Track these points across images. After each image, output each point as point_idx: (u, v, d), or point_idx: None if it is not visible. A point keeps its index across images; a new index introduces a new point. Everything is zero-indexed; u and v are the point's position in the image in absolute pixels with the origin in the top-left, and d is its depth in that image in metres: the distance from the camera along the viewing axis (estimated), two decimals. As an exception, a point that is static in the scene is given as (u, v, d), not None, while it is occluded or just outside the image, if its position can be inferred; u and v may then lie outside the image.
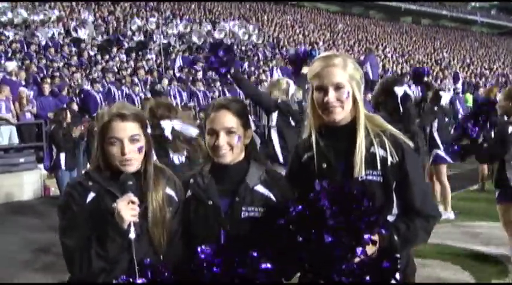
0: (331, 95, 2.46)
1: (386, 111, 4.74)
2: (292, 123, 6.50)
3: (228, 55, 5.99)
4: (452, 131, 8.35)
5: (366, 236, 2.19)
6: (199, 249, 2.31)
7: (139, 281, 2.30)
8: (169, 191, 2.60)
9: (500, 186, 5.53)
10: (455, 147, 5.69)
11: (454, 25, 53.52)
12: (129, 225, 2.34)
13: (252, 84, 6.67)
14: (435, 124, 8.84)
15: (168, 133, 4.02)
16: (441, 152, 8.55)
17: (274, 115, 6.57)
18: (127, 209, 2.33)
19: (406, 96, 4.84)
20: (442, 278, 5.98)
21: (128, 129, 2.48)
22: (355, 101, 2.51)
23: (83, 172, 2.62)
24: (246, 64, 22.33)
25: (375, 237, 2.23)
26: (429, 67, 29.52)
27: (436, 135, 8.79)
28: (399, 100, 4.79)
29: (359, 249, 2.17)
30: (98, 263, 2.39)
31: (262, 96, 6.71)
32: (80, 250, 2.40)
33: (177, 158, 4.10)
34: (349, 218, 2.18)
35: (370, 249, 2.22)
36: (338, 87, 2.47)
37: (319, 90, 2.50)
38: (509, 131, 5.38)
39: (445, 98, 8.83)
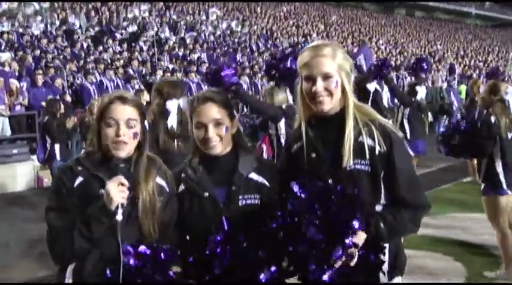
0: (319, 85, 2.46)
1: None
2: None
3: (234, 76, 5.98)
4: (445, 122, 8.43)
5: (347, 241, 2.20)
6: (208, 238, 2.34)
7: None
8: (160, 181, 2.62)
9: (488, 179, 5.59)
10: (445, 147, 5.75)
11: (448, 17, 53.57)
12: (117, 207, 2.36)
13: (254, 97, 6.66)
14: (406, 112, 8.85)
15: (174, 112, 4.07)
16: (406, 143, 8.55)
17: (282, 123, 6.58)
18: (117, 190, 2.35)
19: (376, 91, 4.96)
20: (434, 269, 6.03)
21: (126, 112, 2.51)
22: (344, 91, 2.51)
23: (75, 157, 2.64)
24: (239, 55, 22.31)
25: (357, 240, 2.24)
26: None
27: (406, 124, 8.79)
28: (371, 96, 4.90)
29: (338, 253, 2.19)
30: (80, 242, 2.39)
31: (268, 107, 6.71)
32: (64, 230, 2.41)
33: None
34: (328, 223, 2.20)
35: (351, 251, 2.23)
36: (326, 77, 2.47)
37: (308, 80, 2.50)
38: (493, 121, 5.49)
39: (421, 93, 8.88)
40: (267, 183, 2.60)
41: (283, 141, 6.43)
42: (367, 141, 2.47)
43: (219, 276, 2.29)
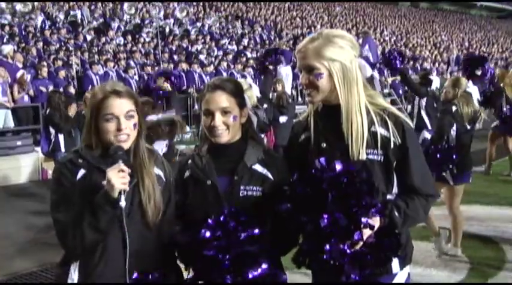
0: (304, 78, 2.48)
1: None
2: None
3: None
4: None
5: (364, 220, 2.20)
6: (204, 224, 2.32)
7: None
8: (158, 171, 2.63)
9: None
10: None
11: (453, 8, 53.26)
12: (120, 193, 2.35)
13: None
14: (423, 103, 8.87)
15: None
16: (428, 134, 8.59)
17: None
18: (117, 177, 2.34)
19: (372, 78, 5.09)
20: (437, 260, 6.02)
21: (123, 105, 2.49)
22: (346, 83, 2.45)
23: (73, 150, 2.61)
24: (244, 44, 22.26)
25: (373, 221, 2.23)
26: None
27: (424, 115, 8.82)
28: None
29: (356, 234, 2.18)
30: (90, 233, 2.38)
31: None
32: (73, 224, 2.40)
33: (160, 150, 4.25)
34: (348, 202, 2.18)
35: (367, 233, 2.22)
36: (310, 70, 2.45)
37: (300, 71, 2.54)
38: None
39: (435, 82, 8.93)
40: (270, 176, 2.57)
41: None
42: (380, 131, 2.45)
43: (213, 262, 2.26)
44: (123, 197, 2.36)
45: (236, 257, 2.24)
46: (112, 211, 2.38)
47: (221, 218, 2.33)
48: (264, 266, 2.26)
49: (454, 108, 5.90)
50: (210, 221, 2.32)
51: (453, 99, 6.08)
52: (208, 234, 2.28)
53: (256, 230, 2.28)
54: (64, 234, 2.44)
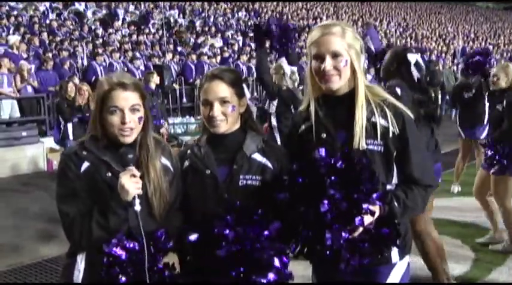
0: (328, 63, 2.45)
1: (400, 78, 4.68)
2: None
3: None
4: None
5: (365, 206, 2.20)
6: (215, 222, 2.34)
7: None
8: (165, 161, 2.61)
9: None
10: None
11: (459, -1, 52.98)
12: (134, 198, 2.37)
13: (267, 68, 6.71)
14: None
15: None
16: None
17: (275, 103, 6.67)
18: (131, 182, 2.35)
19: (418, 63, 4.79)
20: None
21: (129, 99, 2.47)
22: (354, 71, 2.50)
23: (79, 141, 2.61)
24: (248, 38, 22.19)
25: (373, 208, 2.25)
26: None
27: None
28: (412, 67, 4.74)
29: (357, 219, 2.18)
30: (98, 232, 2.39)
31: (268, 83, 6.77)
32: (81, 218, 2.41)
33: None
34: (348, 188, 2.19)
35: (368, 219, 2.24)
36: (335, 55, 2.45)
37: (317, 58, 2.49)
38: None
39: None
40: (270, 165, 2.57)
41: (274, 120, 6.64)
42: (379, 121, 2.47)
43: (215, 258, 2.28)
44: (137, 202, 2.38)
45: (248, 260, 2.26)
46: (124, 214, 2.40)
47: (231, 218, 2.34)
48: (271, 275, 2.27)
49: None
50: (227, 217, 2.33)
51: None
52: (225, 231, 2.30)
53: (266, 232, 2.30)
54: (70, 227, 2.44)
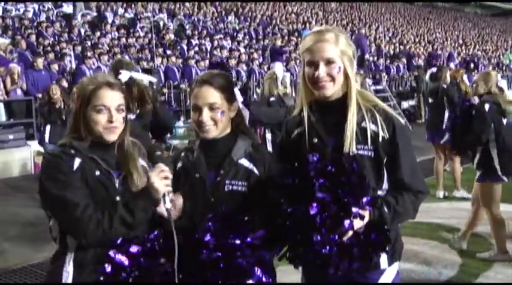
0: (322, 70, 2.46)
1: None
2: None
3: None
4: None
5: (355, 210, 2.20)
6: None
7: None
8: (142, 162, 2.64)
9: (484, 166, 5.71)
10: None
11: (448, 5, 53.28)
12: (164, 195, 2.38)
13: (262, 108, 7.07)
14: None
15: (124, 80, 4.40)
16: None
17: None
18: (160, 179, 2.37)
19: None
20: (429, 256, 6.03)
21: (115, 98, 2.49)
22: (346, 76, 2.51)
23: (59, 144, 2.55)
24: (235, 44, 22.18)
25: (363, 212, 2.25)
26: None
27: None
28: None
29: (346, 222, 2.18)
30: (119, 227, 2.36)
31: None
32: (88, 205, 2.36)
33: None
34: (337, 191, 2.19)
35: (358, 223, 2.24)
36: (329, 62, 2.46)
37: (310, 65, 2.50)
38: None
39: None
40: (256, 171, 2.56)
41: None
42: (370, 127, 2.48)
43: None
44: (168, 199, 2.39)
45: (228, 268, 2.24)
46: (151, 210, 2.40)
47: (213, 224, 2.34)
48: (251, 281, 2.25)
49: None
50: (209, 224, 2.33)
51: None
52: (206, 238, 2.29)
53: (249, 239, 2.28)
54: (83, 215, 2.33)
